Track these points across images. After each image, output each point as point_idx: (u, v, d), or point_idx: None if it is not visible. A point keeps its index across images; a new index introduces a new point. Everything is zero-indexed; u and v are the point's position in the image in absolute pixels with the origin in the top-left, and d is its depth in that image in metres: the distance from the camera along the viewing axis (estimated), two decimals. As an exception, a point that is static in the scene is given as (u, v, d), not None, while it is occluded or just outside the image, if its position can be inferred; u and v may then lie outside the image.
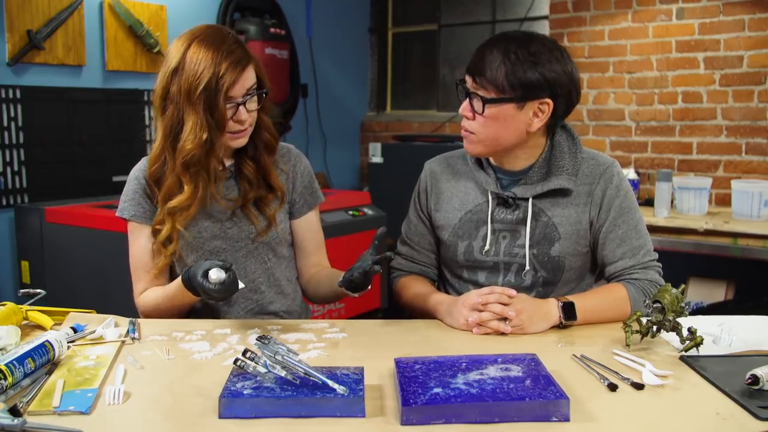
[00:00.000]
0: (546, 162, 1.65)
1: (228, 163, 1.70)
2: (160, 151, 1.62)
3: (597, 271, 1.75)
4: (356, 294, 1.52)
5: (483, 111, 1.56)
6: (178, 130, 1.58)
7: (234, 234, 1.68)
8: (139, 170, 1.71)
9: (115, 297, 2.12)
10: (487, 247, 1.66)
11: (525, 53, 1.53)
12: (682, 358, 1.31)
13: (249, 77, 1.59)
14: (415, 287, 1.74)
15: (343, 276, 1.51)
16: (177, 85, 1.56)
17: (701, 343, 1.33)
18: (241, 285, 1.44)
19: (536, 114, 1.57)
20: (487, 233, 1.67)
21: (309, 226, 1.80)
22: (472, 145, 1.63)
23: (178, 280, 1.56)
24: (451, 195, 1.73)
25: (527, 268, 1.64)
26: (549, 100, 1.56)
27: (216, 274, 1.38)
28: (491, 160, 1.70)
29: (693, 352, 1.32)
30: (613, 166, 1.67)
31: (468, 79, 1.59)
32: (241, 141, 1.64)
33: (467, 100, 1.59)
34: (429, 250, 1.80)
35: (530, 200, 1.63)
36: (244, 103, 1.58)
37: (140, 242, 1.69)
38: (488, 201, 1.67)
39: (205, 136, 1.55)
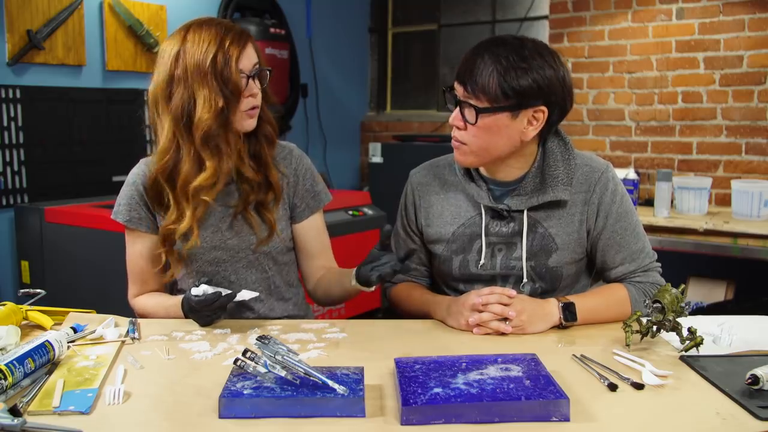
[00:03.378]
0: (539, 171, 1.60)
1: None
2: (170, 141, 1.58)
3: (593, 273, 1.74)
4: (371, 288, 1.50)
5: (476, 121, 1.49)
6: (190, 108, 1.55)
7: (234, 245, 1.66)
8: (136, 175, 1.68)
9: (115, 297, 2.12)
10: (482, 261, 1.62)
11: (517, 58, 1.45)
12: (682, 358, 1.31)
13: (252, 54, 1.61)
14: (411, 291, 1.72)
15: (357, 273, 1.49)
16: (182, 66, 1.55)
17: (701, 343, 1.33)
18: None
19: (530, 122, 1.51)
20: (482, 247, 1.62)
21: (311, 229, 1.76)
22: (463, 156, 1.56)
23: (178, 299, 1.60)
24: (442, 208, 1.68)
25: (525, 280, 1.61)
26: (543, 108, 1.50)
27: (199, 290, 1.49)
28: (481, 170, 1.65)
29: (693, 352, 1.33)
30: (608, 171, 1.63)
31: (458, 87, 1.51)
32: (253, 122, 1.63)
33: (457, 109, 1.52)
34: (419, 263, 1.77)
35: (525, 212, 1.60)
36: (254, 78, 1.59)
37: (135, 247, 1.70)
38: (481, 214, 1.63)
39: (220, 104, 1.54)
